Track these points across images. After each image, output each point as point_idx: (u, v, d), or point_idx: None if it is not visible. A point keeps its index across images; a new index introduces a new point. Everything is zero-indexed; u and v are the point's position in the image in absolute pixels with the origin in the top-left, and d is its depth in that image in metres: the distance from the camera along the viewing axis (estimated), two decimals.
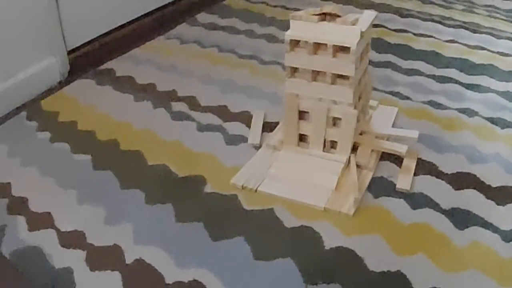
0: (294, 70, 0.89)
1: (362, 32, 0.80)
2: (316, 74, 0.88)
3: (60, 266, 0.79)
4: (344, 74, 0.84)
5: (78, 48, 1.35)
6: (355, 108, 0.87)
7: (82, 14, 1.34)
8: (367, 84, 0.95)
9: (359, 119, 0.94)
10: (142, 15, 1.53)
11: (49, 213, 0.89)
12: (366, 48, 0.90)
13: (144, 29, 1.51)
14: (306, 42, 0.84)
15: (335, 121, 0.92)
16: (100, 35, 1.40)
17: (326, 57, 0.83)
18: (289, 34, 0.84)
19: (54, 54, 1.26)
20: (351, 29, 0.81)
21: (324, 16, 0.83)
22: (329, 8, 0.82)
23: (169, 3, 1.62)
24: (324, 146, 0.94)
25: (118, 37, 1.44)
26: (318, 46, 0.85)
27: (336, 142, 0.93)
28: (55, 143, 1.07)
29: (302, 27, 0.82)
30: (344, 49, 0.84)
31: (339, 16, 0.82)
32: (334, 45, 0.82)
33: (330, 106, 0.87)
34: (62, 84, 1.28)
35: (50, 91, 1.25)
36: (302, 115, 0.92)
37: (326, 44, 0.83)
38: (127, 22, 1.48)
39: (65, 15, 1.28)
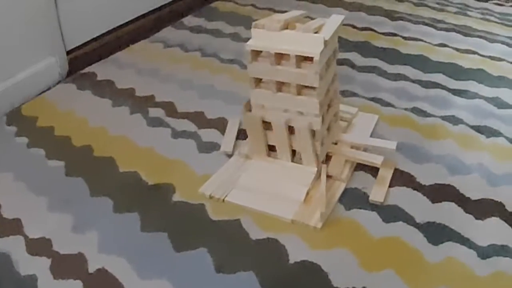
0: (259, 80, 0.87)
1: (326, 41, 0.78)
2: (281, 85, 0.86)
3: (26, 274, 0.79)
4: (309, 85, 0.82)
5: (77, 48, 1.35)
6: (323, 118, 0.85)
7: (81, 14, 1.34)
8: (336, 91, 0.92)
9: (330, 129, 0.92)
10: (136, 17, 1.52)
11: (19, 219, 0.89)
12: (333, 55, 0.87)
13: (132, 32, 1.50)
14: (268, 52, 0.81)
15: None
16: (100, 35, 1.40)
17: (290, 67, 0.81)
18: (249, 44, 0.81)
19: (53, 54, 1.26)
20: (315, 37, 0.78)
21: (287, 25, 0.80)
22: (293, 14, 0.79)
23: (159, 6, 1.61)
24: (294, 155, 0.92)
25: (117, 37, 1.44)
26: (281, 56, 0.82)
27: None
28: (31, 149, 1.07)
29: (264, 36, 0.80)
30: (309, 58, 0.81)
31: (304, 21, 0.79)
32: (297, 55, 0.79)
33: (290, 117, 0.84)
34: (61, 84, 1.28)
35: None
36: (269, 125, 0.89)
37: (289, 54, 0.80)
38: (125, 23, 1.48)
39: (64, 15, 1.28)
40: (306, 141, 0.85)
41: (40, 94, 1.24)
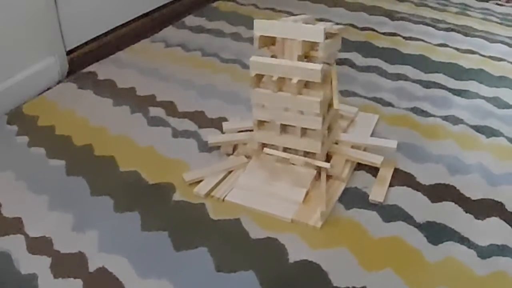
0: (259, 79, 0.87)
1: (327, 32, 0.78)
2: (281, 84, 0.86)
3: (26, 272, 0.79)
4: (312, 80, 0.82)
5: (77, 48, 1.35)
6: (324, 117, 0.85)
7: (81, 14, 1.34)
8: (335, 91, 0.92)
9: (330, 128, 0.92)
10: (136, 17, 1.52)
11: (20, 218, 0.89)
12: (334, 55, 0.88)
13: (133, 32, 1.51)
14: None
15: (305, 131, 0.89)
16: (100, 35, 1.41)
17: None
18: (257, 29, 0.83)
19: (53, 54, 1.26)
20: (316, 28, 0.78)
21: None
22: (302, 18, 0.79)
23: (159, 6, 1.61)
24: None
25: (117, 37, 1.44)
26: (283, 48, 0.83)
27: (308, 152, 0.91)
28: (32, 148, 1.07)
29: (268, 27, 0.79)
30: (310, 57, 0.81)
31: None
32: (303, 41, 0.78)
33: (289, 119, 0.85)
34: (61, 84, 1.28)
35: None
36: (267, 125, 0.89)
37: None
38: (126, 23, 1.48)
39: (64, 15, 1.28)
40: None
41: (41, 93, 1.24)
